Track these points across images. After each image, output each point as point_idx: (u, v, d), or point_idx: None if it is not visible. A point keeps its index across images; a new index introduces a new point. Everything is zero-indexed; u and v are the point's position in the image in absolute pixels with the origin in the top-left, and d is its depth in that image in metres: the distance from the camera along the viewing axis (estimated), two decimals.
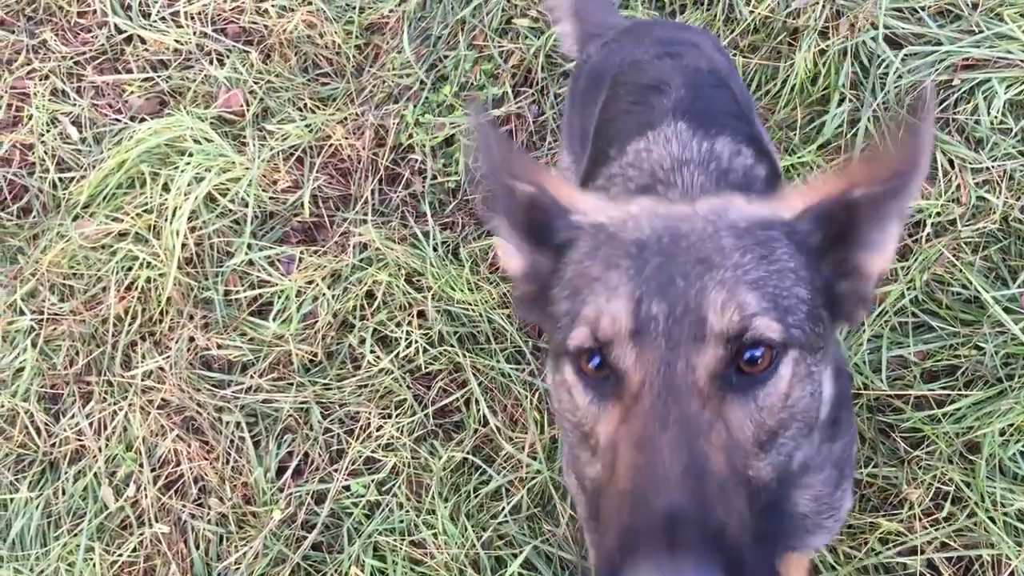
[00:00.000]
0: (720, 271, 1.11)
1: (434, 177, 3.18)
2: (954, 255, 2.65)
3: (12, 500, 2.79)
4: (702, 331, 1.08)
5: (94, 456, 2.81)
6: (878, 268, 1.24)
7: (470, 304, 2.86)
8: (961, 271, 2.62)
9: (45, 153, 3.40)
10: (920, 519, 2.39)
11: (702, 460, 1.03)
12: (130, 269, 3.04)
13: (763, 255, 1.14)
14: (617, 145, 2.03)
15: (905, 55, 2.94)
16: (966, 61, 2.92)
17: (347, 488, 2.68)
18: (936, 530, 2.37)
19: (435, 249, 3.00)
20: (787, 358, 1.13)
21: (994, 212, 2.68)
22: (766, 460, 1.13)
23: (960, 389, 2.52)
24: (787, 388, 1.13)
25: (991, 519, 2.35)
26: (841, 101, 2.93)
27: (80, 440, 2.85)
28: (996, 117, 2.80)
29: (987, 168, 2.76)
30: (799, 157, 2.87)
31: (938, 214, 2.72)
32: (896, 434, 2.50)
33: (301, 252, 3.06)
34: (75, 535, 2.72)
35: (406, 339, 2.84)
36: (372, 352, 2.84)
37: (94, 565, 2.65)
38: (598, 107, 2.29)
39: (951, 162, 2.79)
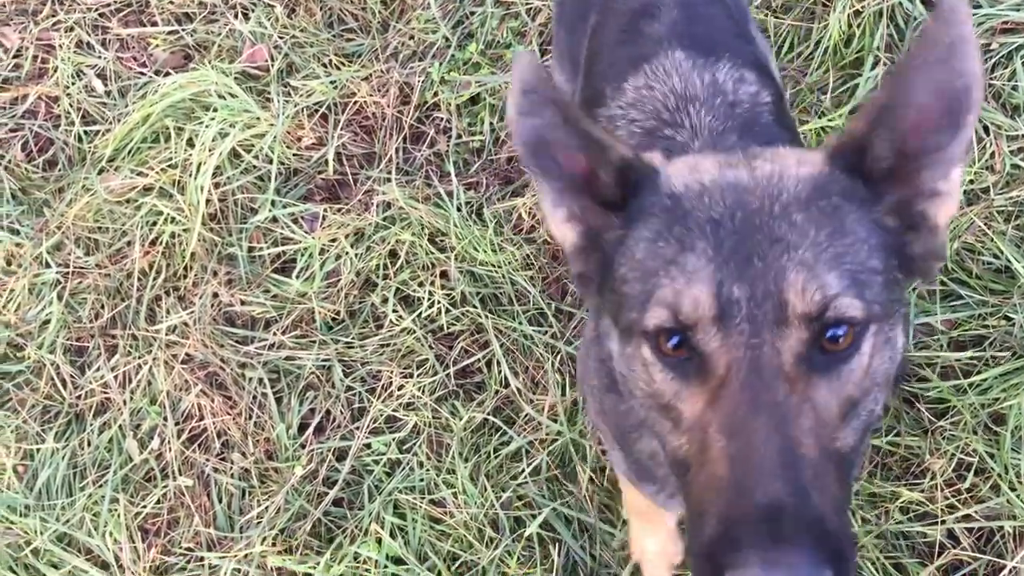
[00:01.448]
0: (797, 251, 1.10)
1: (459, 136, 3.15)
2: (986, 224, 2.60)
3: (39, 450, 2.83)
4: (784, 314, 1.08)
5: (119, 409, 2.84)
6: (944, 216, 1.19)
7: (493, 265, 2.85)
8: (993, 240, 2.58)
9: (71, 106, 3.40)
10: (942, 489, 2.38)
11: (795, 447, 1.04)
12: (155, 224, 3.05)
13: (834, 229, 1.12)
14: (613, 83, 1.94)
15: None
16: (1005, 24, 2.85)
17: (368, 446, 2.70)
18: (958, 500, 2.36)
19: (459, 209, 2.98)
20: (868, 333, 1.13)
21: None
22: (850, 428, 1.13)
23: (987, 360, 2.49)
24: (868, 362, 1.13)
25: (1014, 491, 2.33)
26: (875, 64, 2.87)
27: (105, 393, 2.88)
28: None
29: (1023, 136, 2.70)
30: (829, 120, 2.82)
31: (971, 181, 2.67)
32: (921, 403, 2.48)
33: (325, 210, 3.05)
34: (100, 486, 2.75)
35: (429, 299, 2.84)
36: (395, 311, 2.84)
37: (119, 516, 2.69)
38: (588, 29, 2.16)
39: (986, 128, 2.73)
